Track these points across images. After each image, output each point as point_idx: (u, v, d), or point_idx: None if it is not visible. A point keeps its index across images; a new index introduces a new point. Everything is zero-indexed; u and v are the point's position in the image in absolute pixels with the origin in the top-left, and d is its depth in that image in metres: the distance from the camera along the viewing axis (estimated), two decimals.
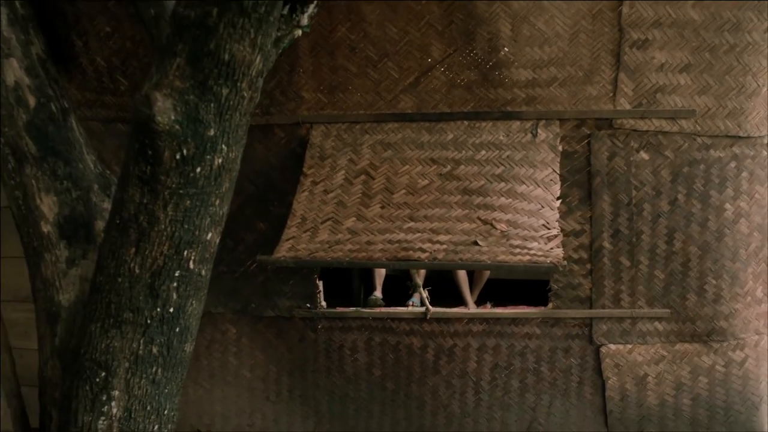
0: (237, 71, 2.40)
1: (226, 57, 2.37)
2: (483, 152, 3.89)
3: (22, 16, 3.03)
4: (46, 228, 3.01)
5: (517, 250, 3.36)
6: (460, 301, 4.92)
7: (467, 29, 3.86)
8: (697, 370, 4.17)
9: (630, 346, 4.17)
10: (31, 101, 3.00)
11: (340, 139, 4.08)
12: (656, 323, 4.12)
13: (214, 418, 4.79)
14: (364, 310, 4.43)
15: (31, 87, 3.01)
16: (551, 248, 3.35)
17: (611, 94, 3.86)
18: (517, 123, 3.94)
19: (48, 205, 3.00)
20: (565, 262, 3.44)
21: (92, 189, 3.11)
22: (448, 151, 3.94)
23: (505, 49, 3.86)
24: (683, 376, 4.19)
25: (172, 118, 2.39)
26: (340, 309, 4.47)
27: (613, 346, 4.18)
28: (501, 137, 3.91)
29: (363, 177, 3.91)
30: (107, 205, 3.09)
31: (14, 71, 2.99)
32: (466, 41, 3.89)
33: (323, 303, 4.52)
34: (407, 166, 3.93)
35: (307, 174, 3.99)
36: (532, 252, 3.33)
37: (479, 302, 4.96)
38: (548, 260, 3.25)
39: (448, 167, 3.88)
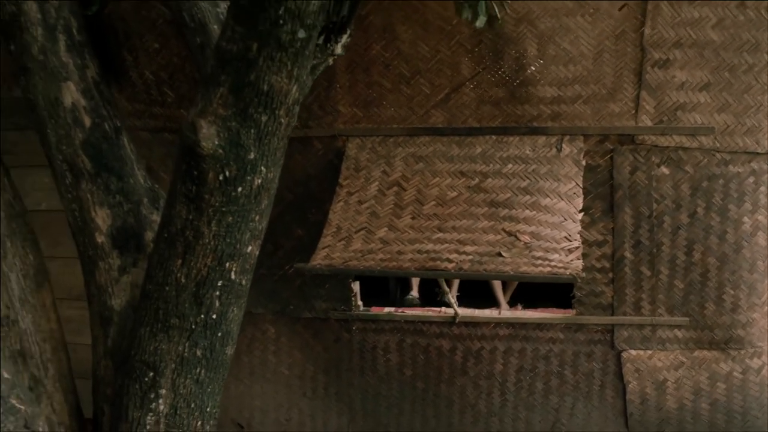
0: (275, 100, 2.58)
1: (265, 87, 2.54)
2: (510, 166, 4.01)
3: (78, 42, 3.19)
4: (100, 238, 3.18)
5: (539, 262, 3.49)
6: (494, 303, 5.06)
7: (496, 48, 3.99)
8: (715, 376, 4.26)
9: (650, 352, 4.28)
10: (87, 121, 3.16)
11: (375, 151, 4.22)
12: (676, 331, 4.22)
13: (253, 412, 4.96)
14: (396, 312, 4.57)
15: (87, 108, 3.17)
16: (571, 260, 3.48)
17: (633, 111, 3.96)
18: (543, 138, 4.06)
19: (102, 218, 3.17)
20: (584, 274, 3.56)
21: (142, 202, 3.27)
22: (477, 164, 4.06)
23: (532, 67, 3.99)
24: (702, 382, 4.29)
25: (216, 143, 2.58)
26: (374, 310, 4.62)
27: (633, 352, 4.29)
28: (527, 151, 4.03)
29: (395, 188, 4.05)
30: (156, 217, 3.26)
31: (72, 94, 3.14)
32: (494, 60, 4.02)
33: (360, 302, 4.66)
34: (437, 179, 4.06)
35: (343, 185, 4.14)
36: (553, 264, 3.46)
37: (511, 303, 5.10)
38: (568, 272, 3.38)
39: (476, 180, 4.00)
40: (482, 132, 4.15)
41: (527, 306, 4.91)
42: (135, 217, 3.23)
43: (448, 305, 4.48)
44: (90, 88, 3.18)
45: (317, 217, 4.31)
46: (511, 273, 3.47)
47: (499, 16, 3.10)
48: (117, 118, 3.28)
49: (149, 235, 3.25)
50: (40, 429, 2.87)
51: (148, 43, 4.39)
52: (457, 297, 4.60)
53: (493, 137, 4.12)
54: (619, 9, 3.84)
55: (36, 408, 2.93)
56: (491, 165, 4.04)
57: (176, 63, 4.33)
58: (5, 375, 2.75)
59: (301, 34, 2.45)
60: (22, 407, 2.79)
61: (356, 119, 4.31)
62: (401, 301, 4.91)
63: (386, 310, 4.71)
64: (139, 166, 3.32)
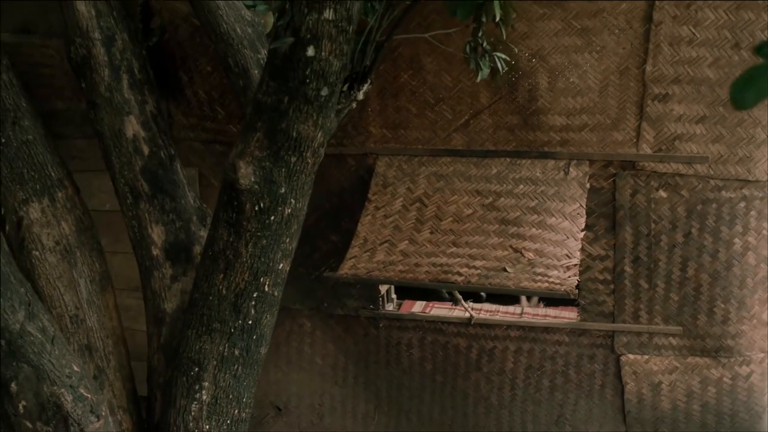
0: (303, 144, 2.92)
1: (294, 134, 2.89)
2: (521, 186, 4.21)
3: (138, 81, 3.50)
4: (155, 251, 3.52)
5: (539, 278, 3.76)
6: (516, 300, 5.36)
7: (511, 80, 4.18)
8: (707, 381, 4.42)
9: (647, 357, 4.45)
10: (146, 150, 3.47)
11: (401, 169, 4.45)
12: (670, 338, 4.39)
13: (290, 397, 5.26)
14: (419, 312, 4.87)
15: (146, 138, 3.48)
16: (568, 277, 3.73)
17: (635, 140, 4.13)
18: (552, 162, 4.24)
19: (157, 233, 3.50)
20: (577, 291, 3.73)
21: (192, 220, 3.59)
22: (492, 184, 4.27)
23: (543, 98, 4.17)
24: (694, 386, 4.45)
25: (252, 180, 2.96)
26: (404, 308, 4.92)
27: (631, 356, 4.47)
28: (537, 174, 4.23)
29: (417, 204, 4.28)
30: (203, 233, 3.59)
31: (133, 126, 3.46)
32: (509, 90, 4.21)
33: (394, 296, 4.97)
34: (456, 196, 4.27)
35: (371, 199, 4.39)
36: (551, 280, 3.73)
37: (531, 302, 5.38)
38: (563, 288, 3.62)
39: (490, 199, 4.22)
40: (498, 155, 4.33)
41: (547, 305, 5.22)
42: (185, 233, 3.57)
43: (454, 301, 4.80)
44: (148, 120, 3.50)
45: (349, 225, 4.56)
46: (513, 287, 3.71)
47: (501, 69, 3.39)
48: (171, 147, 3.64)
49: (197, 249, 3.57)
50: (103, 413, 3.25)
51: (201, 66, 4.68)
52: (486, 295, 4.87)
53: (508, 160, 4.31)
54: (623, 47, 4.00)
55: (100, 395, 3.30)
56: (504, 185, 4.25)
57: (225, 84, 4.57)
58: (75, 368, 3.16)
59: (324, 91, 2.81)
60: (89, 395, 3.17)
61: (385, 140, 4.54)
62: (436, 296, 5.17)
63: (414, 308, 5.03)
64: (189, 188, 3.69)
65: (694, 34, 3.92)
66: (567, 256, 3.91)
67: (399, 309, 5.05)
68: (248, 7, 3.61)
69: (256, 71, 3.48)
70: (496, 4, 2.80)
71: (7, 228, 3.43)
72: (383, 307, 4.91)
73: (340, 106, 3.15)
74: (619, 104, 4.14)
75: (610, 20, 4.01)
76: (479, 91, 4.28)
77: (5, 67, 3.41)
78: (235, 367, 3.34)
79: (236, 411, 3.45)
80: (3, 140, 3.33)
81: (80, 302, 3.50)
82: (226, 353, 3.30)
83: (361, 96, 3.19)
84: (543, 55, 4.14)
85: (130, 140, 3.49)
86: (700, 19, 3.90)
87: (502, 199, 4.25)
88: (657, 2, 3.92)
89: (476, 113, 4.36)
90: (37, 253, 3.42)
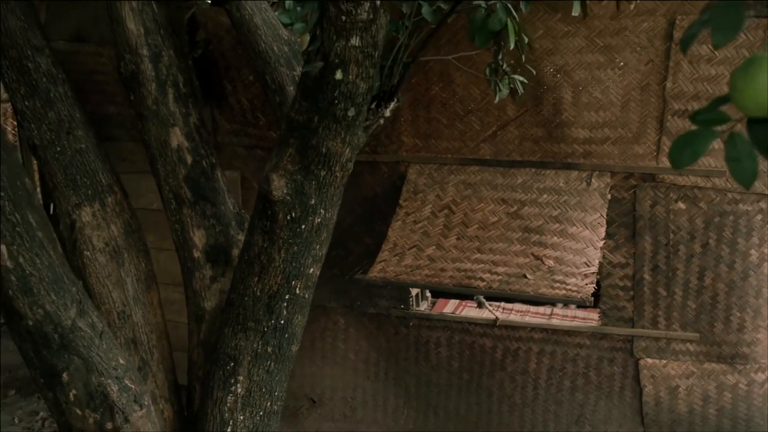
0: (331, 160, 3.08)
1: (324, 150, 3.05)
2: (545, 196, 4.35)
3: (183, 94, 3.63)
4: (196, 254, 3.68)
5: (557, 285, 3.89)
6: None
7: (536, 94, 4.32)
8: (723, 386, 4.49)
9: (665, 361, 4.54)
10: (189, 159, 3.61)
11: (431, 177, 4.60)
12: (687, 344, 4.47)
13: (324, 390, 5.45)
14: (447, 313, 5.02)
15: (189, 148, 3.62)
16: (585, 284, 3.86)
17: (655, 153, 4.23)
18: (575, 173, 4.36)
19: (198, 237, 3.66)
20: (592, 299, 3.85)
21: (230, 225, 3.73)
22: (517, 193, 4.40)
23: (567, 112, 4.30)
24: (710, 390, 4.53)
25: (285, 192, 3.15)
26: (438, 306, 5.07)
27: (650, 360, 4.57)
28: (561, 184, 4.36)
29: (446, 211, 4.43)
30: (241, 237, 3.73)
31: (177, 137, 3.59)
32: (535, 104, 4.35)
33: (428, 294, 5.13)
34: (482, 204, 4.41)
35: (402, 206, 4.55)
36: (568, 287, 3.87)
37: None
38: (579, 296, 3.76)
39: (515, 207, 4.36)
40: (523, 165, 4.47)
41: (578, 307, 5.27)
42: (225, 236, 3.74)
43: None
44: (192, 132, 3.64)
45: (382, 228, 4.71)
46: (531, 293, 3.86)
47: (519, 91, 3.53)
48: (213, 156, 3.82)
49: (235, 252, 3.72)
50: (146, 402, 3.47)
51: (243, 75, 4.89)
52: None
53: (533, 170, 4.45)
54: (645, 64, 4.14)
55: (143, 386, 3.51)
56: (529, 194, 4.39)
57: (267, 93, 4.82)
58: (121, 361, 3.39)
59: (351, 111, 2.98)
60: (133, 386, 3.39)
61: (417, 148, 4.70)
62: (471, 297, 5.27)
63: (447, 307, 5.19)
64: (229, 195, 3.89)
65: (713, 53, 4.02)
66: (586, 264, 4.04)
67: (433, 307, 5.22)
68: (286, 25, 3.81)
69: (291, 87, 3.65)
70: (511, 32, 2.95)
71: (61, 229, 3.66)
72: (417, 305, 5.08)
73: (368, 123, 3.30)
74: (640, 119, 4.25)
75: (632, 38, 4.13)
76: (506, 104, 4.42)
77: (61, 81, 3.63)
78: (268, 363, 3.49)
79: (268, 403, 3.60)
80: (58, 149, 3.56)
81: (127, 299, 3.70)
82: (259, 350, 3.45)
83: (388, 113, 3.33)
84: (567, 71, 4.28)
85: (174, 150, 3.63)
86: None
87: (526, 207, 4.39)
88: (677, 22, 4.02)
89: (503, 125, 4.51)
90: (89, 253, 3.64)
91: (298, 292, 3.41)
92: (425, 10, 3.29)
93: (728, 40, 1.21)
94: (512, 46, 3.01)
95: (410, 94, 4.58)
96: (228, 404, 3.56)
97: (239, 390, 3.55)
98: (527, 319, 4.94)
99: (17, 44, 3.50)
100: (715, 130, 1.34)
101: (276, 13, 3.81)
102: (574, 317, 4.95)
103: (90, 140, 3.66)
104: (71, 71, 3.88)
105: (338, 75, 2.90)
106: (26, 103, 3.55)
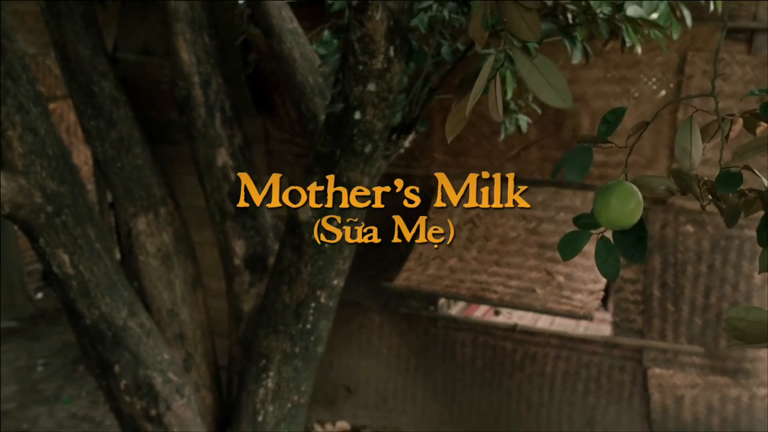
0: (351, 188, 3.44)
1: (345, 179, 3.35)
2: (562, 214, 4.52)
3: (229, 118, 3.94)
4: (237, 261, 4.01)
5: (564, 300, 4.12)
6: None
7: (557, 120, 4.51)
8: (726, 398, 4.63)
9: (671, 372, 4.71)
10: (232, 177, 3.92)
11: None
12: (693, 357, 4.62)
13: (358, 381, 5.76)
14: (472, 316, 5.31)
15: (233, 167, 3.92)
16: (590, 300, 4.11)
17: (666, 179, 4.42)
18: (591, 193, 4.51)
19: (239, 246, 3.98)
20: (594, 315, 4.05)
21: (268, 236, 4.05)
22: (536, 210, 4.58)
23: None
24: (714, 401, 4.67)
25: (309, 215, 3.49)
26: (470, 310, 5.37)
27: (658, 370, 4.74)
28: (577, 203, 4.54)
29: (470, 225, 4.65)
30: (277, 246, 4.13)
31: (222, 157, 3.90)
32: (555, 129, 4.54)
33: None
34: (504, 219, 4.60)
35: (431, 218, 4.86)
36: (573, 303, 4.10)
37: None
38: (582, 311, 4.01)
39: (534, 224, 4.55)
40: (543, 184, 4.64)
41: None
42: (262, 246, 4.05)
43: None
44: (236, 152, 3.95)
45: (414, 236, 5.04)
46: (539, 308, 4.07)
47: (524, 130, 3.76)
48: (254, 174, 4.16)
49: (271, 260, 4.01)
50: (186, 393, 3.86)
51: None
52: None
53: (552, 189, 4.61)
54: (658, 96, 4.31)
55: (185, 378, 3.88)
56: (547, 212, 4.57)
57: (302, 121, 5.07)
58: (165, 356, 3.78)
59: (368, 148, 3.27)
60: (175, 378, 3.77)
61: (447, 165, 4.93)
62: None
63: (479, 311, 5.48)
64: (267, 209, 4.22)
65: (722, 87, 4.18)
66: (594, 281, 4.25)
67: (466, 309, 5.49)
68: (323, 57, 4.10)
69: (323, 117, 3.96)
70: (509, 82, 3.19)
71: (120, 236, 4.07)
72: (449, 308, 5.35)
73: (388, 152, 3.60)
74: (652, 146, 4.41)
75: (646, 71, 4.30)
76: (529, 128, 4.62)
77: (123, 103, 4.01)
78: (296, 362, 3.81)
79: (296, 397, 3.93)
80: (119, 164, 3.95)
81: (175, 299, 4.08)
82: (288, 350, 3.77)
83: (406, 144, 3.63)
84: (585, 100, 4.46)
85: (219, 168, 3.95)
86: (728, 74, 4.16)
87: (544, 224, 4.58)
88: (689, 58, 4.19)
89: (526, 146, 4.72)
90: (143, 258, 4.03)
91: (323, 300, 3.72)
92: (444, 49, 3.56)
93: (581, 179, 1.49)
94: (510, 96, 3.26)
95: (442, 114, 4.80)
96: (260, 396, 3.90)
97: (270, 384, 3.88)
98: (545, 325, 5.16)
99: (85, 70, 3.89)
100: (591, 232, 1.59)
101: (314, 46, 4.11)
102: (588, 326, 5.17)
103: (146, 157, 4.03)
104: (139, 80, 4.22)
105: (357, 115, 3.19)
106: (92, 122, 3.94)
